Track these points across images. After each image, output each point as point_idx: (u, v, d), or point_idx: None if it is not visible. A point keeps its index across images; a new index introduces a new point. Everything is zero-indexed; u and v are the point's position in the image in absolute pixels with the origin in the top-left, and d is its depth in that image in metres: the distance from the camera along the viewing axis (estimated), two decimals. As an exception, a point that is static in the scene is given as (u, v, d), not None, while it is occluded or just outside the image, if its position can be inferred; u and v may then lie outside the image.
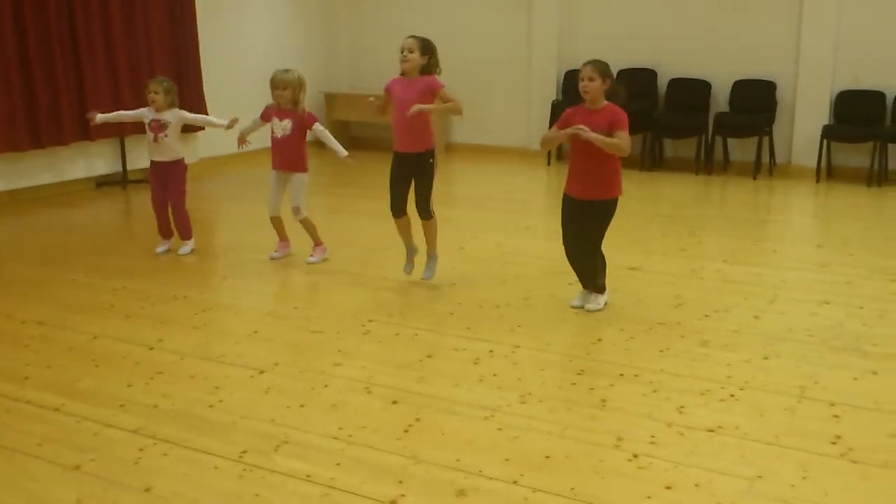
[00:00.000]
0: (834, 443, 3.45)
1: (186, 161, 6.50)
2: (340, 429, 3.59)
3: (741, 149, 9.99)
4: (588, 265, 5.07)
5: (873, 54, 9.27)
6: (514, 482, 3.16)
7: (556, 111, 8.88)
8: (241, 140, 6.15)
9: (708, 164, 9.85)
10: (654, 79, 9.99)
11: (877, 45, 9.25)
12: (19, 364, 4.34)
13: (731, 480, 3.17)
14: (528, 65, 10.96)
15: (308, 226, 6.12)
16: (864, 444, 3.45)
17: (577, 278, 5.20)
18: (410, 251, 5.64)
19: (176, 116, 6.24)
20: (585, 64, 4.82)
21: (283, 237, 6.26)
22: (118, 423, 3.66)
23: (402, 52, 5.21)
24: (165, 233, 6.45)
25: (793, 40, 9.59)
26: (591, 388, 4.00)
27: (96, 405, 3.84)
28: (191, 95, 9.41)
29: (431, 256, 5.60)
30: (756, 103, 9.68)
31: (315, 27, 11.77)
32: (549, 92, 10.70)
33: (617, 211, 4.95)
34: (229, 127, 6.20)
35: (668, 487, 3.12)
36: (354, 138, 11.73)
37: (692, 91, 9.93)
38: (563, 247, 5.09)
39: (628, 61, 9.73)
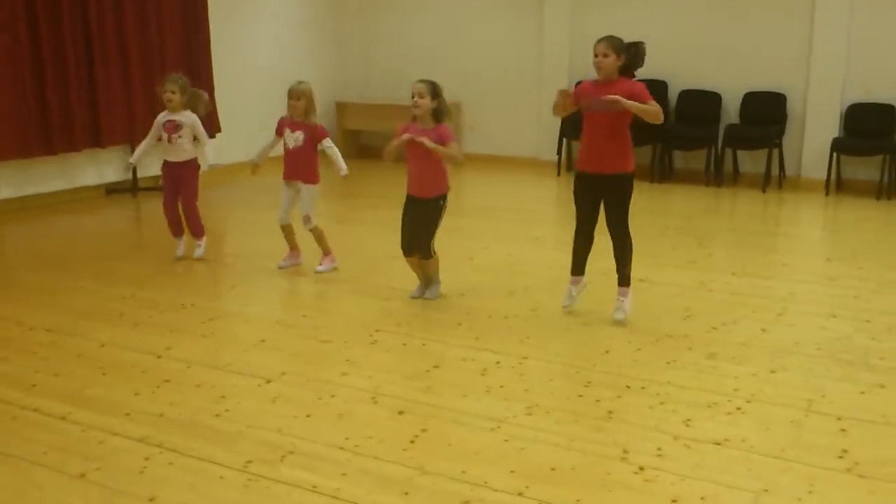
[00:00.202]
0: (841, 457, 3.44)
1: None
2: (347, 439, 3.59)
3: (751, 161, 9.97)
4: (619, 249, 5.04)
5: (884, 67, 9.25)
6: (520, 494, 3.15)
7: (567, 122, 8.87)
8: (255, 168, 6.26)
9: (718, 176, 9.83)
10: (664, 90, 9.98)
11: (888, 58, 9.22)
12: (27, 371, 4.35)
13: (737, 494, 3.17)
14: (538, 75, 10.96)
15: (318, 235, 6.14)
16: (872, 458, 3.43)
17: (570, 270, 5.24)
18: (422, 282, 5.64)
19: (191, 120, 6.27)
20: (600, 40, 4.86)
21: (293, 246, 6.27)
22: (124, 432, 3.67)
23: (412, 98, 5.25)
24: (177, 230, 6.48)
25: (804, 53, 9.58)
26: (598, 400, 3.99)
27: (103, 413, 3.85)
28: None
29: (434, 283, 5.59)
30: (766, 115, 9.67)
31: (326, 36, 11.80)
32: (560, 102, 10.69)
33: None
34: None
35: (675, 500, 3.12)
36: (365, 147, 11.76)
37: (702, 103, 9.92)
38: (574, 237, 5.12)
39: (638, 73, 9.66)
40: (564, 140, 10.49)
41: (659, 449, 3.50)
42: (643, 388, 4.12)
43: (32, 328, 4.99)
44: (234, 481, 3.27)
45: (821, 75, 9.48)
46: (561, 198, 9.39)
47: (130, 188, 9.05)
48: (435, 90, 5.26)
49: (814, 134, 9.58)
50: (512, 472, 3.32)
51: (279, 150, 6.11)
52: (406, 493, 3.17)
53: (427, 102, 5.23)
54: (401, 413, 3.86)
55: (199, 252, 6.45)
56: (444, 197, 5.39)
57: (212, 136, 9.43)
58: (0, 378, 4.28)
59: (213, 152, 6.57)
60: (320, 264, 6.15)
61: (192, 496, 3.17)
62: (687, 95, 10.04)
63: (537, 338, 4.82)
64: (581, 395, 4.05)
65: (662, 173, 10.06)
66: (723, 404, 3.93)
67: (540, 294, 5.57)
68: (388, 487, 3.21)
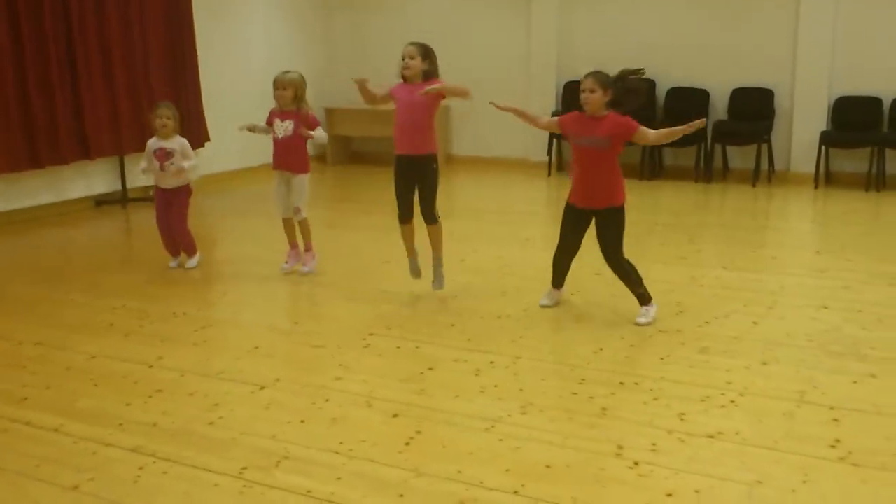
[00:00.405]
0: (833, 446, 3.45)
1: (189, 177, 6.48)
2: (341, 443, 3.58)
3: (740, 156, 10.01)
4: (621, 277, 5.07)
5: (869, 60, 9.29)
6: (515, 492, 3.15)
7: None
8: (249, 128, 6.18)
9: (707, 172, 9.86)
10: (652, 88, 10.01)
11: (873, 51, 9.27)
12: (17, 385, 4.33)
13: (731, 486, 3.17)
14: (527, 76, 10.99)
15: (305, 228, 6.17)
16: (864, 447, 3.44)
17: (551, 280, 5.30)
18: (413, 257, 5.65)
19: (180, 145, 6.23)
20: (586, 76, 4.86)
21: (293, 244, 6.27)
22: (117, 443, 3.65)
23: (403, 60, 5.25)
24: (173, 251, 6.49)
25: (790, 48, 9.62)
26: (592, 397, 3.99)
27: (95, 425, 3.83)
28: (189, 110, 9.41)
29: (438, 265, 5.59)
30: (754, 111, 9.71)
31: (314, 42, 11.81)
32: (549, 103, 10.70)
33: (618, 219, 4.99)
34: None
35: (669, 495, 3.12)
36: (356, 153, 11.74)
37: (691, 100, 9.96)
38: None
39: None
40: (554, 140, 10.50)
41: (653, 444, 3.50)
42: (637, 384, 4.13)
43: (21, 342, 4.96)
44: (228, 488, 3.26)
45: (807, 70, 9.53)
46: (551, 199, 9.40)
47: (120, 199, 9.03)
48: (426, 51, 5.27)
49: (802, 128, 9.63)
50: (507, 471, 3.31)
51: (267, 158, 6.10)
52: (401, 496, 3.16)
53: (418, 63, 5.23)
54: (395, 416, 3.86)
55: (191, 263, 6.43)
56: (434, 158, 5.38)
57: (200, 145, 9.46)
58: (-8, 392, 4.26)
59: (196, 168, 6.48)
60: (304, 265, 6.16)
61: (186, 504, 3.16)
62: (675, 93, 10.08)
63: (530, 337, 4.83)
64: (575, 393, 4.05)
65: (652, 170, 10.09)
66: (716, 398, 3.93)
67: (531, 294, 5.57)
68: (383, 490, 3.20)
